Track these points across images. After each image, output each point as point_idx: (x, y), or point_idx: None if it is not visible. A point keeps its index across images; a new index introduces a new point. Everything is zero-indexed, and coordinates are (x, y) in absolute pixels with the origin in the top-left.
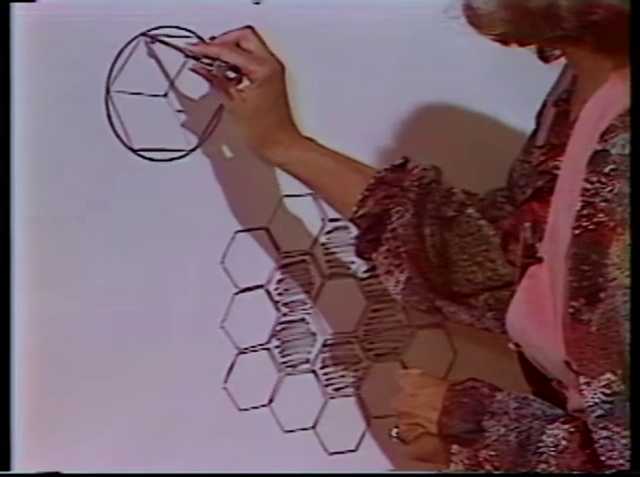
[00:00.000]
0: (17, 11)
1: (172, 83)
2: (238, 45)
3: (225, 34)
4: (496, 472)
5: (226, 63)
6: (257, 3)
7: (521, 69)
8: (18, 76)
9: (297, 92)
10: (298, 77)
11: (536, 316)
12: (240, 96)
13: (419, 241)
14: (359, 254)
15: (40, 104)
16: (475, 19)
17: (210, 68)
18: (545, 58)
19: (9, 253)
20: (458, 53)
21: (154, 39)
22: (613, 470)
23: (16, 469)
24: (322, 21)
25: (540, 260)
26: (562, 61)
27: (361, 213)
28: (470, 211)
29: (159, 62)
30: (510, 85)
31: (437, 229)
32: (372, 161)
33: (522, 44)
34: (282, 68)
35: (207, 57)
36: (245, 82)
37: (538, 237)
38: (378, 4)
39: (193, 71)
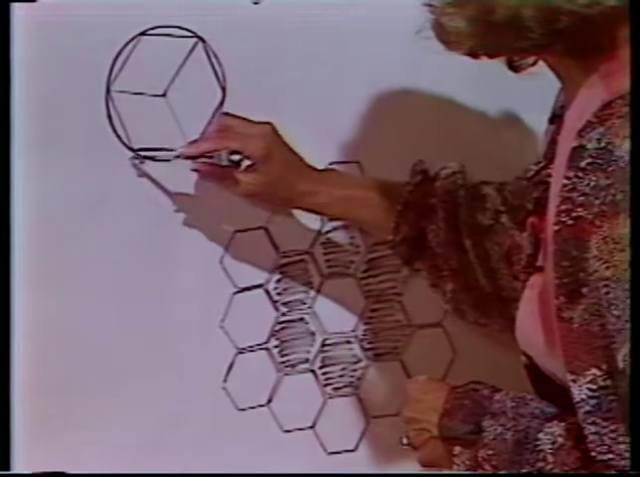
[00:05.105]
0: (17, 11)
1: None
2: (222, 131)
3: (203, 132)
4: (497, 472)
5: (225, 149)
6: (257, 3)
7: None
8: (18, 76)
9: (294, 91)
10: (296, 76)
11: (537, 325)
12: (245, 179)
13: (462, 254)
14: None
15: (40, 104)
16: (443, 36)
17: (211, 160)
18: (514, 68)
19: (9, 254)
20: None
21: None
22: (605, 465)
23: (16, 469)
24: (322, 21)
25: (540, 269)
26: (533, 70)
27: (398, 239)
28: (504, 219)
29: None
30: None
31: (477, 239)
32: (374, 159)
33: (491, 56)
34: (271, 126)
35: (203, 154)
36: (246, 162)
37: (537, 247)
38: (377, 4)
39: (195, 171)
